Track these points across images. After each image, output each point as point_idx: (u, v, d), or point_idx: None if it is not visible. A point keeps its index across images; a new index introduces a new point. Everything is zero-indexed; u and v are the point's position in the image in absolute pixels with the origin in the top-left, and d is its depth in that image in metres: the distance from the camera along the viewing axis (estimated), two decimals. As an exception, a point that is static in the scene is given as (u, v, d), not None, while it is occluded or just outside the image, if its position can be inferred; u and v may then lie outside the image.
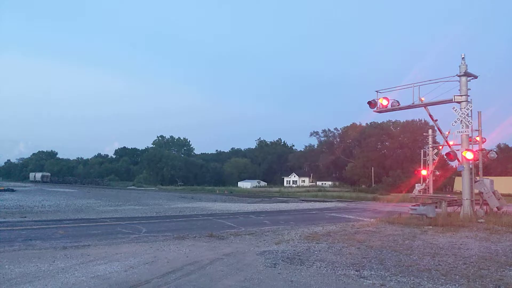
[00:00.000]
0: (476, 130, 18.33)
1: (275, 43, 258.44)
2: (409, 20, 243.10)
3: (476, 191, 17.71)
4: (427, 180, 24.99)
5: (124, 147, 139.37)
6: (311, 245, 10.04)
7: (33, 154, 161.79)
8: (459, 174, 18.80)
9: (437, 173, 25.81)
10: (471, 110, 16.91)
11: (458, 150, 17.59)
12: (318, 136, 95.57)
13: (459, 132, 17.04)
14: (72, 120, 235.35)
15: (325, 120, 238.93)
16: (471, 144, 17.29)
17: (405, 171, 58.61)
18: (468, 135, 17.05)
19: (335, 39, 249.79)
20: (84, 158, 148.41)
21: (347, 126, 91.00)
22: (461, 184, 17.53)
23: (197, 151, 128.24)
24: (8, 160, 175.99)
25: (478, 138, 18.55)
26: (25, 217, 18.47)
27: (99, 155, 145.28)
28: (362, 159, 75.00)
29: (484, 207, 18.11)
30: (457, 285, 6.29)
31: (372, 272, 7.11)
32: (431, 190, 24.85)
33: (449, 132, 18.88)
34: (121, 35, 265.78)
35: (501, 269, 7.36)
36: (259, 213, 23.70)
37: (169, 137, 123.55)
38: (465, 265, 7.69)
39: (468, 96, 17.08)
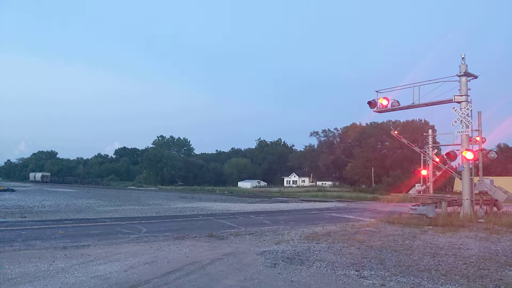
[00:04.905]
0: (476, 130, 18.32)
1: (275, 43, 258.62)
2: (409, 20, 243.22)
3: (476, 191, 17.71)
4: (428, 182, 24.95)
5: (124, 147, 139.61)
6: (311, 245, 10.04)
7: (33, 154, 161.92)
8: (458, 174, 18.79)
9: (437, 173, 25.75)
10: (471, 110, 16.92)
11: (458, 150, 17.59)
12: (318, 136, 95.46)
13: (459, 132, 17.04)
14: (72, 120, 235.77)
15: (325, 120, 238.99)
16: (471, 144, 17.30)
17: (405, 171, 58.54)
18: (468, 135, 17.05)
19: (335, 39, 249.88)
20: (84, 158, 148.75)
21: (347, 126, 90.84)
22: (461, 184, 17.54)
23: (197, 151, 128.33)
24: (8, 160, 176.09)
25: (478, 138, 18.54)
26: (25, 217, 18.46)
27: (99, 155, 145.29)
28: (362, 159, 74.93)
29: (484, 207, 18.11)
30: (457, 285, 6.29)
31: (372, 272, 7.11)
32: (431, 190, 24.83)
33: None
34: (121, 36, 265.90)
35: (501, 269, 7.36)
36: (259, 213, 23.70)
37: (169, 137, 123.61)
38: (465, 265, 7.69)
39: (468, 96, 17.09)
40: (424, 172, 25.43)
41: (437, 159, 24.44)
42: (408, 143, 23.59)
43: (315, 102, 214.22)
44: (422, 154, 26.34)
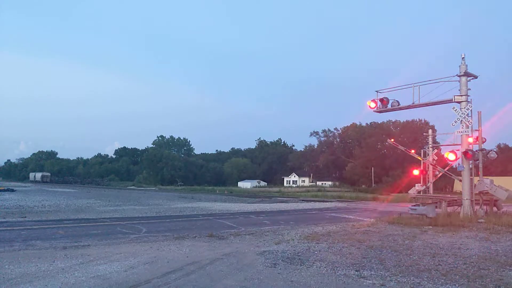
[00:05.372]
0: (476, 130, 18.32)
1: (275, 43, 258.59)
2: (409, 20, 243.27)
3: (476, 191, 17.70)
4: (428, 182, 24.90)
5: (124, 147, 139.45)
6: (311, 245, 10.03)
7: (33, 154, 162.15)
8: (458, 174, 18.80)
9: (438, 173, 25.69)
10: (471, 110, 16.92)
11: (458, 150, 17.59)
12: (318, 136, 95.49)
13: (459, 132, 17.05)
14: (72, 120, 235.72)
15: (325, 120, 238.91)
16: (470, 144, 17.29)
17: (405, 171, 58.54)
18: (468, 135, 17.05)
19: (335, 39, 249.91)
20: (84, 158, 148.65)
21: (347, 126, 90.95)
22: (461, 184, 17.53)
23: (197, 151, 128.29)
24: (8, 160, 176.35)
25: (478, 138, 18.52)
26: (25, 217, 18.46)
27: (99, 155, 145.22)
28: (362, 159, 74.90)
29: (484, 207, 18.10)
30: (457, 285, 6.29)
31: (372, 272, 7.11)
32: (431, 190, 24.81)
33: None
34: (121, 35, 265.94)
35: (501, 269, 7.36)
36: (259, 213, 23.70)
37: (169, 137, 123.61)
38: (465, 265, 7.69)
39: (468, 96, 17.09)
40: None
41: (435, 158, 24.38)
42: (405, 149, 23.72)
43: (315, 102, 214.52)
44: (422, 153, 26.33)
